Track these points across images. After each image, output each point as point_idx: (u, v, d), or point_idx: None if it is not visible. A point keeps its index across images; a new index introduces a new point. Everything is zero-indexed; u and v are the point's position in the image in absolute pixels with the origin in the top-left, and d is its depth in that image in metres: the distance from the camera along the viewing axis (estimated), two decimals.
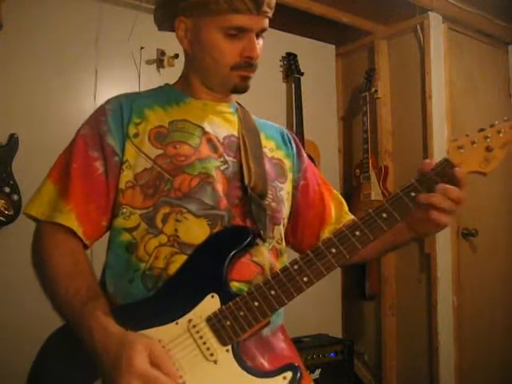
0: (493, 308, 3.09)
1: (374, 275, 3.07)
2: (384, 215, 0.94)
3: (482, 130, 0.96)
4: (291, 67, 2.98)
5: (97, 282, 1.01)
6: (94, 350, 0.88)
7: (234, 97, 1.19)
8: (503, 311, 3.15)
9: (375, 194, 2.96)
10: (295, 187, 1.20)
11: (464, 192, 0.94)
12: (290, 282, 0.93)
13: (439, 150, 2.85)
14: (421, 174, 0.95)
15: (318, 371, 2.56)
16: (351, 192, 3.10)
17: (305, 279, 0.93)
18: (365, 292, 3.09)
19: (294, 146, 1.24)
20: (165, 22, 1.14)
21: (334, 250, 0.94)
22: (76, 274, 0.97)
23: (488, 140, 0.94)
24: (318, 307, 2.85)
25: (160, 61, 2.48)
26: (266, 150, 1.15)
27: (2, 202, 2.04)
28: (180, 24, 1.09)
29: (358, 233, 0.94)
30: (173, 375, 0.85)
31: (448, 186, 0.93)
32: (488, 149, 0.94)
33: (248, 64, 1.07)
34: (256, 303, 0.93)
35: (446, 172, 0.94)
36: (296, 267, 0.94)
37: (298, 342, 2.56)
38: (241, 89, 1.11)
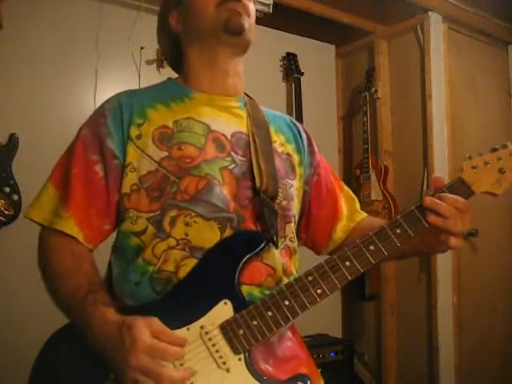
0: (493, 308, 3.09)
1: (374, 275, 3.07)
2: (398, 231, 0.95)
3: (495, 149, 0.97)
4: (291, 67, 2.98)
5: (99, 278, 1.00)
6: (96, 343, 0.88)
7: (242, 85, 1.15)
8: (503, 311, 3.15)
9: (375, 194, 2.96)
10: (307, 183, 1.18)
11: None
12: (304, 294, 0.94)
13: (439, 149, 2.85)
14: (434, 190, 0.96)
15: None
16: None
17: (319, 291, 0.94)
18: (365, 292, 3.09)
19: (304, 139, 1.20)
20: (170, 46, 1.16)
21: (348, 264, 0.94)
22: (77, 271, 0.97)
23: (501, 161, 0.96)
24: (318, 307, 2.83)
25: (160, 61, 2.48)
26: (275, 145, 1.12)
27: (2, 201, 2.04)
28: (173, 16, 1.12)
29: (372, 247, 0.94)
30: (177, 343, 0.87)
31: (454, 196, 0.94)
32: (501, 171, 0.96)
33: None
34: (270, 313, 0.92)
35: (457, 189, 0.95)
36: (310, 278, 0.94)
37: None
38: (233, 24, 1.05)
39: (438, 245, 0.98)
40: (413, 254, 1.12)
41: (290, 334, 1.07)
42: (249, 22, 1.08)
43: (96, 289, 0.95)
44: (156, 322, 0.86)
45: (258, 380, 0.91)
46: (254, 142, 1.07)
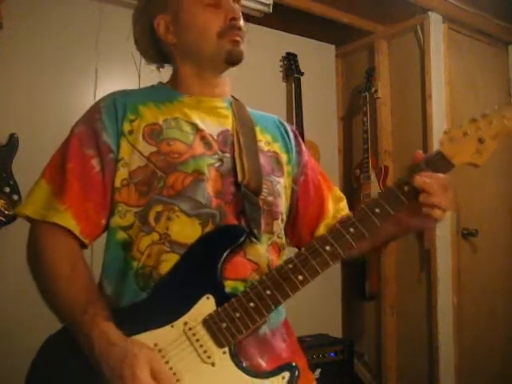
0: (493, 308, 3.09)
1: (374, 275, 3.07)
2: (377, 210, 0.94)
3: (474, 120, 0.95)
4: (291, 67, 2.98)
5: (95, 285, 1.01)
6: (94, 358, 0.89)
7: (229, 91, 1.17)
8: (503, 311, 3.14)
9: (375, 194, 2.96)
10: (295, 182, 1.18)
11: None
12: (286, 281, 0.93)
13: None
14: (412, 165, 0.96)
15: (317, 371, 2.56)
16: (351, 192, 3.10)
17: (300, 278, 0.93)
18: (365, 292, 3.09)
19: (292, 139, 1.21)
20: (150, 43, 1.15)
21: (328, 248, 0.94)
22: (74, 278, 0.96)
23: (480, 131, 0.94)
24: (318, 307, 2.85)
25: None
26: (261, 144, 1.13)
27: (2, 202, 2.04)
28: (160, 22, 1.11)
29: (352, 229, 0.94)
30: None
31: (432, 173, 0.93)
32: (480, 140, 0.94)
33: (233, 26, 1.07)
34: (252, 304, 0.93)
35: (437, 163, 0.94)
36: (291, 266, 0.94)
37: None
38: (235, 54, 1.08)
39: (423, 220, 0.98)
40: (398, 236, 1.11)
41: (284, 335, 1.07)
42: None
43: (94, 299, 0.95)
44: (156, 359, 0.88)
45: (244, 372, 0.92)
46: (238, 139, 1.09)
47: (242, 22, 1.10)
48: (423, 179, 0.92)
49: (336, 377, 2.65)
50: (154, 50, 1.17)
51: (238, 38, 1.08)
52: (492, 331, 3.06)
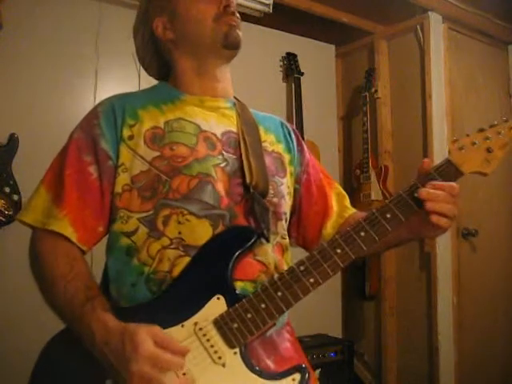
0: (493, 308, 3.09)
1: (374, 275, 3.07)
2: (388, 216, 0.94)
3: (482, 130, 0.97)
4: (291, 67, 2.98)
5: (95, 282, 1.00)
6: (95, 348, 0.88)
7: (232, 91, 1.17)
8: (503, 311, 3.15)
9: (375, 193, 2.96)
10: (297, 182, 1.19)
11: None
12: (297, 284, 0.93)
13: (439, 149, 2.85)
14: (422, 173, 0.96)
15: (317, 371, 2.56)
16: (351, 192, 3.10)
17: (311, 280, 0.93)
18: (365, 292, 3.09)
19: (294, 139, 1.22)
20: (153, 52, 1.17)
21: (339, 251, 0.94)
22: (73, 276, 0.97)
23: (488, 141, 0.95)
24: (318, 307, 2.85)
25: None
26: (265, 145, 1.13)
27: (2, 202, 2.04)
28: (158, 24, 1.12)
29: (362, 233, 0.94)
30: (179, 353, 0.87)
31: (445, 183, 0.94)
32: (489, 150, 0.95)
33: (228, 12, 1.08)
34: (263, 305, 0.92)
35: (446, 171, 0.95)
36: (302, 268, 0.94)
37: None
38: (232, 38, 1.09)
39: (430, 229, 0.98)
40: (407, 241, 1.11)
41: (287, 334, 1.08)
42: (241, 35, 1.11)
43: (93, 295, 0.95)
44: (158, 330, 0.86)
45: (255, 373, 0.91)
46: (244, 140, 1.09)
47: (236, 14, 1.10)
48: (427, 189, 0.93)
49: (336, 377, 2.65)
50: (155, 58, 1.17)
51: (234, 23, 1.09)
52: (492, 331, 3.06)
